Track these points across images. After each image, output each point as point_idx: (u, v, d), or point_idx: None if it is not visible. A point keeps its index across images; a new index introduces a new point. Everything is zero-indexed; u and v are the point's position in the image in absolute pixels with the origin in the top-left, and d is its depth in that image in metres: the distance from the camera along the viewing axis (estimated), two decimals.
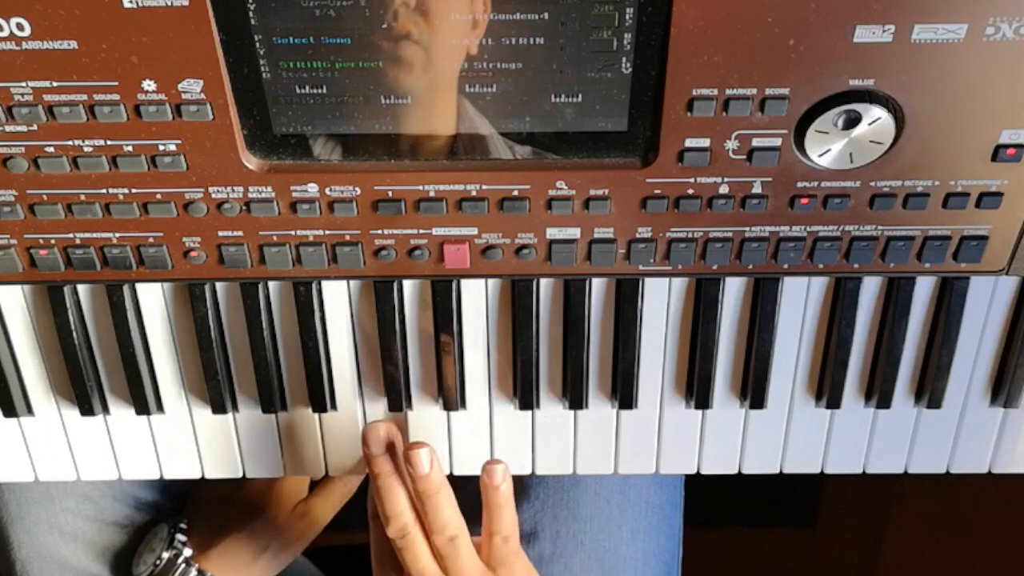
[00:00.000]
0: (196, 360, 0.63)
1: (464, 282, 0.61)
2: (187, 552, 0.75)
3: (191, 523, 0.77)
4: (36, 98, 0.50)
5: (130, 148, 0.52)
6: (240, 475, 0.68)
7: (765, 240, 0.56)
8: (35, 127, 0.51)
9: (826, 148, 0.52)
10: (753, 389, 0.64)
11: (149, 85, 0.50)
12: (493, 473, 0.64)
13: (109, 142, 0.52)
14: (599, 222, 0.56)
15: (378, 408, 0.65)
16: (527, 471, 0.68)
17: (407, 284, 0.61)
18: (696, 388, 0.64)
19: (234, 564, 0.76)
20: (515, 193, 0.54)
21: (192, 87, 0.50)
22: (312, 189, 0.54)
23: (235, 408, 0.65)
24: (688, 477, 0.83)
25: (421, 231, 0.56)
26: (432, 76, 0.50)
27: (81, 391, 0.63)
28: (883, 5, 0.47)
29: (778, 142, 0.52)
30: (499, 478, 0.64)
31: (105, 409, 0.65)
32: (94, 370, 0.64)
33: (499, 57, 0.49)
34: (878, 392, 0.64)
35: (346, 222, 0.56)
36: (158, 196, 0.54)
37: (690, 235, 0.56)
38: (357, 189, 0.54)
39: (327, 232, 0.56)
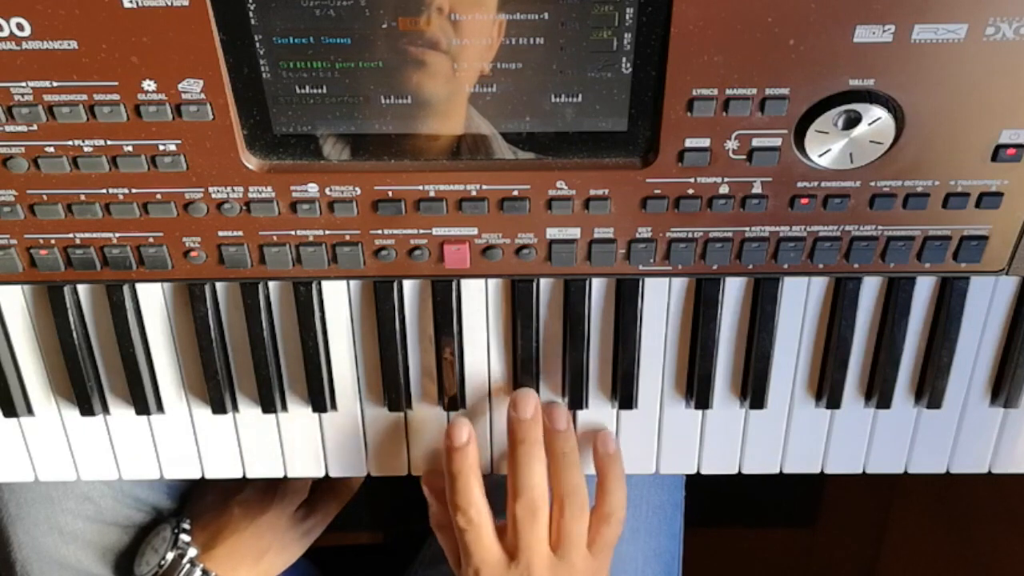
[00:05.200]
0: (196, 360, 0.63)
1: (464, 282, 0.61)
2: (192, 552, 0.75)
3: (194, 523, 0.77)
4: (36, 98, 0.50)
5: (130, 148, 0.52)
6: (241, 475, 0.68)
7: (765, 240, 0.56)
8: (35, 127, 0.51)
9: (826, 148, 0.52)
10: (753, 389, 0.64)
11: (149, 85, 0.50)
12: (607, 440, 0.63)
13: (109, 142, 0.52)
14: (599, 222, 0.56)
15: (378, 408, 0.65)
16: None
17: (407, 284, 0.61)
18: (696, 388, 0.64)
19: (238, 564, 0.76)
20: (515, 193, 0.54)
21: (192, 87, 0.50)
22: (312, 189, 0.54)
23: (235, 408, 0.65)
24: (688, 477, 0.83)
25: (421, 231, 0.56)
26: (452, 84, 0.50)
27: (81, 391, 0.63)
28: (883, 5, 0.47)
29: (778, 142, 0.52)
30: (612, 443, 0.63)
31: (105, 409, 0.65)
32: (94, 370, 0.64)
33: (499, 57, 0.50)
34: (878, 392, 0.64)
35: (346, 222, 0.56)
36: (158, 196, 0.54)
37: (690, 235, 0.56)
38: (357, 189, 0.54)
39: (327, 232, 0.56)
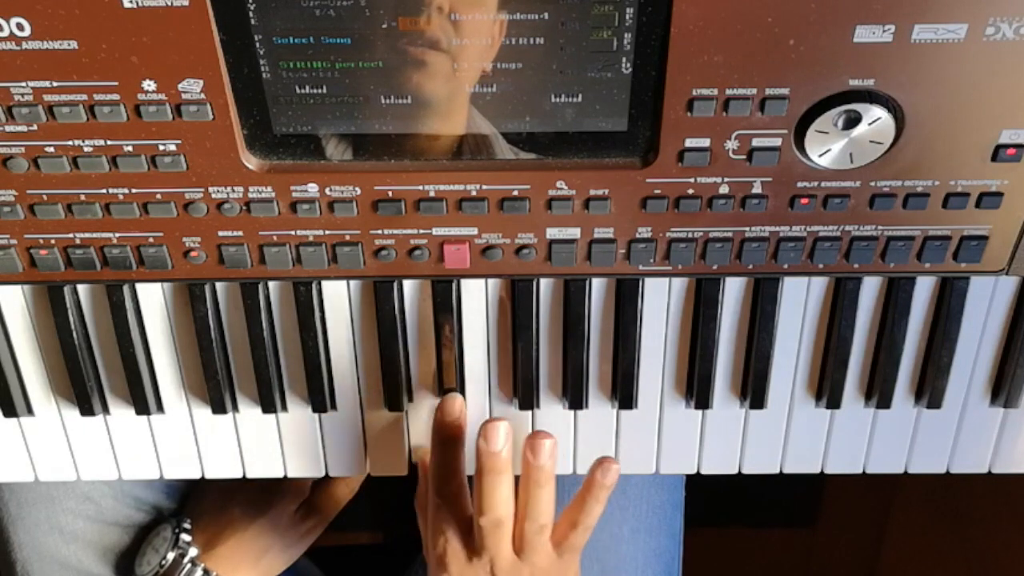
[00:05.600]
0: (196, 360, 0.63)
1: (464, 282, 0.61)
2: (192, 552, 0.75)
3: (194, 523, 0.77)
4: (36, 98, 0.50)
5: (130, 148, 0.52)
6: (240, 475, 0.68)
7: (765, 240, 0.56)
8: (35, 127, 0.51)
9: (826, 148, 0.52)
10: (753, 389, 0.64)
11: (149, 85, 0.50)
12: (609, 471, 0.64)
13: (109, 142, 0.52)
14: (599, 222, 0.56)
15: (378, 408, 0.65)
16: None
17: (407, 284, 0.61)
18: (696, 388, 0.64)
19: (239, 563, 0.76)
20: (515, 193, 0.54)
21: (192, 87, 0.50)
22: (312, 189, 0.54)
23: (235, 408, 0.65)
24: (688, 477, 0.83)
25: (421, 231, 0.56)
26: (452, 84, 0.50)
27: (81, 391, 0.63)
28: (883, 5, 0.47)
29: (778, 142, 0.52)
30: (612, 477, 0.64)
31: (105, 409, 0.65)
32: (94, 370, 0.64)
33: (499, 57, 0.49)
34: (878, 392, 0.64)
35: (346, 222, 0.56)
36: (158, 196, 0.54)
37: (690, 235, 0.56)
38: (357, 189, 0.54)
39: (327, 232, 0.56)
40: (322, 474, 0.68)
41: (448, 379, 0.64)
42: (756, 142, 0.52)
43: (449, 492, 0.64)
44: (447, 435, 0.64)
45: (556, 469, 0.64)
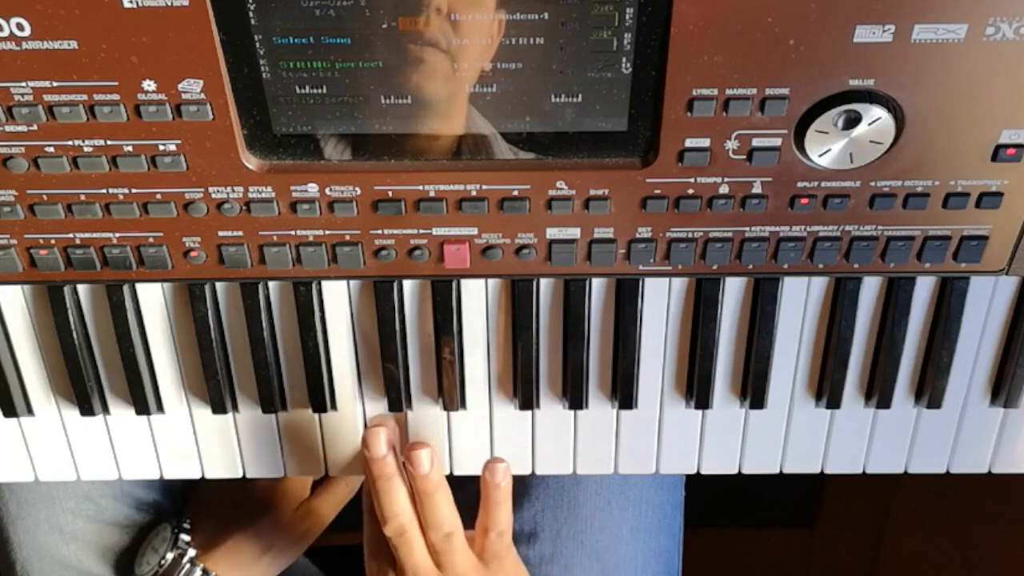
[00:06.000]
0: (196, 360, 0.63)
1: (464, 282, 0.61)
2: (192, 552, 0.75)
3: (194, 523, 0.77)
4: (36, 98, 0.50)
5: (130, 148, 0.52)
6: (240, 475, 0.68)
7: (765, 240, 0.56)
8: (35, 127, 0.51)
9: (826, 148, 0.52)
10: (753, 389, 0.64)
11: (149, 85, 0.50)
12: (495, 471, 0.64)
13: (109, 142, 0.52)
14: (599, 222, 0.56)
15: (378, 408, 0.65)
16: (527, 471, 0.68)
17: (407, 284, 0.61)
18: (696, 388, 0.64)
19: (238, 564, 0.76)
20: (515, 193, 0.54)
21: (192, 87, 0.50)
22: (312, 189, 0.54)
23: (235, 408, 0.65)
24: (688, 477, 0.83)
25: (421, 231, 0.56)
26: (452, 84, 0.50)
27: (81, 391, 0.63)
28: (883, 5, 0.47)
29: (778, 142, 0.52)
30: (500, 476, 0.64)
31: (105, 409, 0.65)
32: (94, 370, 0.64)
33: (499, 57, 0.49)
34: (878, 392, 0.64)
35: (346, 222, 0.56)
36: (158, 196, 0.54)
37: (690, 235, 0.56)
38: (357, 189, 0.54)
39: (327, 232, 0.56)
40: (322, 474, 0.68)
41: (448, 380, 0.64)
42: (756, 142, 0.52)
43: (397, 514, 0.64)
44: (381, 472, 0.63)
45: (442, 473, 0.64)
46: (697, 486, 0.81)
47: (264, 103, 0.51)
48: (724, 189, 0.54)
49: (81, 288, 0.61)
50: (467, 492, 0.66)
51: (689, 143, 0.52)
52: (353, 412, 0.66)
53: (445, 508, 0.63)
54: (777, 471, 0.68)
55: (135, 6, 0.47)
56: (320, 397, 0.64)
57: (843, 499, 1.31)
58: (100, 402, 0.65)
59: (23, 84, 0.50)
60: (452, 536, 0.64)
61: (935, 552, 1.16)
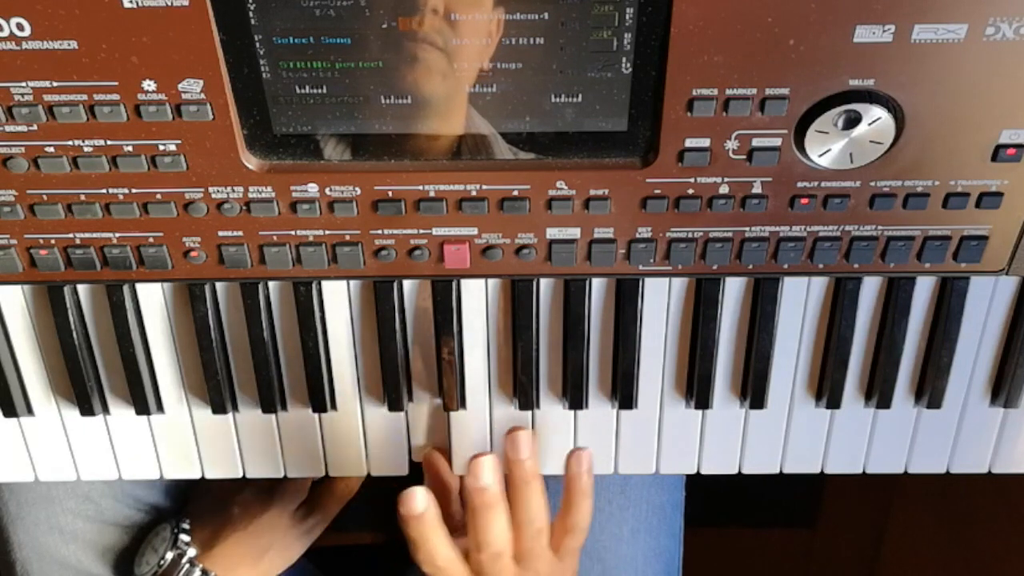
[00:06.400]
0: (196, 360, 0.63)
1: (464, 282, 0.61)
2: (191, 552, 0.75)
3: (194, 523, 0.77)
4: (36, 98, 0.50)
5: (130, 148, 0.52)
6: (240, 475, 0.68)
7: (765, 240, 0.56)
8: (35, 127, 0.51)
9: (826, 148, 0.52)
10: (753, 389, 0.64)
11: (149, 85, 0.50)
12: (581, 459, 0.64)
13: (109, 142, 0.52)
14: (599, 222, 0.56)
15: (378, 408, 0.65)
16: None
17: (407, 284, 0.61)
18: (696, 388, 0.64)
19: (237, 564, 0.76)
20: (515, 193, 0.54)
21: (192, 87, 0.50)
22: (312, 189, 0.54)
23: (235, 408, 0.65)
24: (688, 477, 0.83)
25: (421, 231, 0.56)
26: (449, 84, 0.50)
27: (81, 391, 0.63)
28: (883, 5, 0.47)
29: (778, 142, 0.52)
30: (586, 464, 0.63)
31: (105, 409, 0.65)
32: (94, 370, 0.64)
33: (499, 57, 0.49)
34: (878, 392, 0.64)
35: (346, 222, 0.56)
36: (158, 196, 0.54)
37: (690, 235, 0.56)
38: (357, 189, 0.54)
39: (327, 232, 0.56)
40: (322, 474, 0.68)
41: (448, 380, 0.64)
42: (756, 142, 0.52)
43: (441, 564, 0.63)
44: (420, 529, 0.62)
45: (539, 467, 0.64)
46: (697, 486, 0.81)
47: (264, 103, 0.51)
48: (724, 189, 0.54)
49: (81, 288, 0.61)
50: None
51: (689, 143, 0.52)
52: (353, 412, 0.66)
53: (541, 501, 0.63)
54: (777, 471, 0.68)
55: (135, 6, 0.47)
56: (320, 397, 0.64)
57: (843, 499, 1.31)
58: (100, 402, 0.65)
59: (23, 84, 0.50)
60: (542, 532, 0.63)
61: (935, 552, 1.16)
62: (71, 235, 0.56)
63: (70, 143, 0.52)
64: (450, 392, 0.64)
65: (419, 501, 0.62)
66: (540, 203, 0.55)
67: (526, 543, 0.63)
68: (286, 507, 0.79)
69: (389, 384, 0.64)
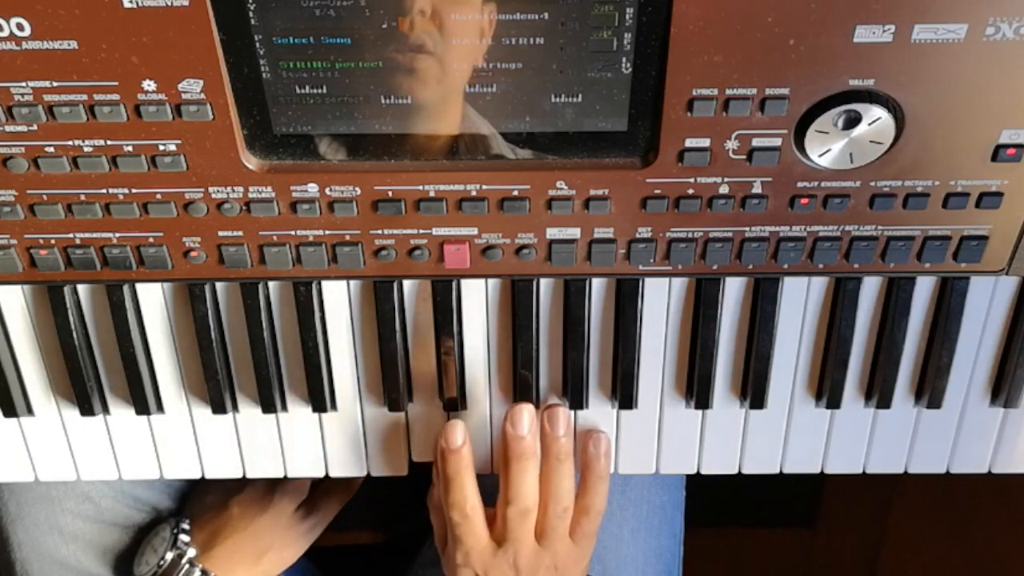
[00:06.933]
0: (196, 360, 0.63)
1: (464, 282, 0.61)
2: (191, 552, 0.75)
3: (193, 523, 0.77)
4: (36, 98, 0.50)
5: (130, 148, 0.52)
6: (240, 475, 0.68)
7: (765, 240, 0.56)
8: (35, 127, 0.51)
9: (826, 148, 0.52)
10: (753, 389, 0.64)
11: (149, 85, 0.50)
12: (600, 442, 0.65)
13: (109, 142, 0.52)
14: (599, 222, 0.56)
15: (378, 408, 0.65)
16: None
17: (407, 284, 0.61)
18: (696, 388, 0.64)
19: (237, 564, 0.76)
20: (515, 193, 0.54)
21: (192, 87, 0.50)
22: (312, 189, 0.54)
23: (235, 408, 0.65)
24: (688, 477, 0.83)
25: (421, 231, 0.56)
26: (444, 86, 0.50)
27: (81, 391, 0.63)
28: (883, 5, 0.47)
29: (778, 142, 0.52)
30: (604, 447, 0.64)
31: (105, 409, 0.65)
32: (94, 370, 0.64)
33: (499, 57, 0.49)
34: (878, 392, 0.64)
35: (346, 222, 0.56)
36: (158, 196, 0.54)
37: (690, 235, 0.56)
38: (357, 189, 0.54)
39: (327, 232, 0.56)
40: (322, 474, 0.68)
41: (448, 380, 0.64)
42: (756, 142, 0.52)
43: (468, 511, 0.64)
44: (456, 464, 0.64)
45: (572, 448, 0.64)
46: (697, 486, 0.81)
47: (264, 103, 0.51)
48: (724, 189, 0.54)
49: (81, 288, 0.61)
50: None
51: (689, 143, 0.52)
52: (353, 412, 0.66)
53: (571, 480, 0.64)
54: (777, 471, 0.68)
55: (135, 6, 0.47)
56: (320, 397, 0.64)
57: (843, 499, 1.31)
58: (100, 402, 0.65)
59: (23, 84, 0.50)
60: (567, 512, 0.64)
61: (935, 552, 1.16)
62: (71, 235, 0.56)
63: (70, 143, 0.52)
64: (450, 392, 0.64)
65: (459, 434, 0.63)
66: (540, 203, 0.55)
67: (551, 520, 0.64)
68: (286, 507, 0.79)
69: (389, 384, 0.64)
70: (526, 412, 0.63)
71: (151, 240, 0.56)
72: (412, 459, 0.68)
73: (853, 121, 0.50)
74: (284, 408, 0.65)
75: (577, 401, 0.64)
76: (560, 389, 0.65)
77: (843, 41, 0.48)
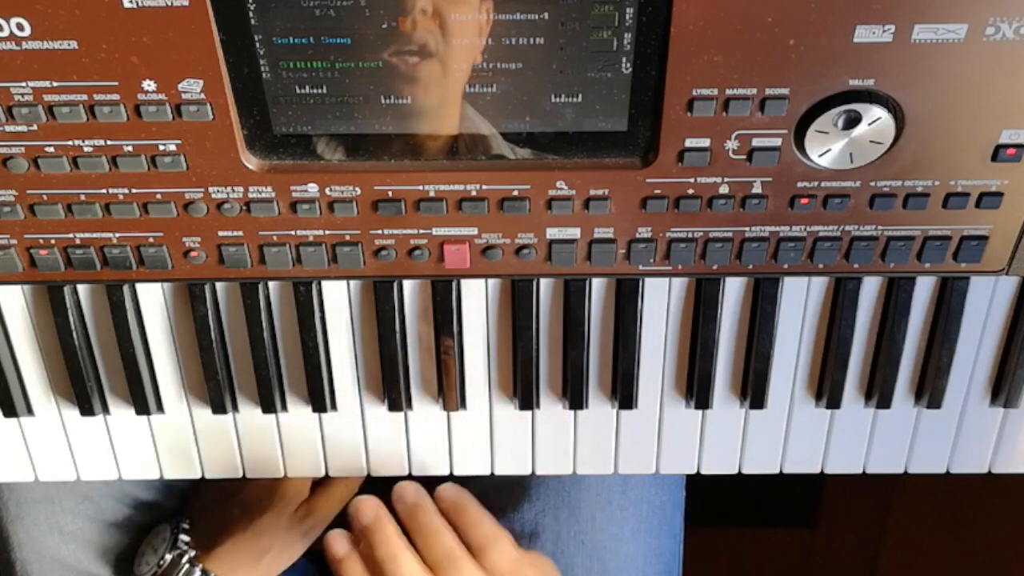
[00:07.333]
0: (196, 360, 0.63)
1: (464, 282, 0.61)
2: (191, 552, 0.75)
3: (193, 523, 0.77)
4: (36, 98, 0.50)
5: (130, 148, 0.52)
6: (240, 475, 0.68)
7: (765, 240, 0.56)
8: (35, 127, 0.51)
9: (826, 148, 0.52)
10: (753, 389, 0.64)
11: (149, 85, 0.50)
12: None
13: (109, 142, 0.52)
14: (599, 222, 0.56)
15: (378, 408, 0.65)
16: (527, 471, 0.68)
17: (407, 284, 0.61)
18: (696, 388, 0.64)
19: (237, 564, 0.76)
20: (515, 193, 0.54)
21: (192, 87, 0.50)
22: (312, 189, 0.54)
23: (235, 408, 0.65)
24: (688, 477, 0.83)
25: (421, 231, 0.56)
26: (445, 86, 0.50)
27: (81, 391, 0.63)
28: (883, 5, 0.47)
29: (778, 142, 0.52)
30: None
31: (105, 409, 0.65)
32: (94, 370, 0.64)
33: (499, 57, 0.49)
34: (878, 392, 0.64)
35: (346, 222, 0.56)
36: (158, 196, 0.54)
37: (690, 235, 0.56)
38: (357, 189, 0.54)
39: (327, 232, 0.56)
40: (322, 474, 0.68)
41: (448, 380, 0.64)
42: (756, 142, 0.52)
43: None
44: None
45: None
46: (697, 486, 0.81)
47: (264, 103, 0.51)
48: (724, 189, 0.54)
49: (81, 288, 0.61)
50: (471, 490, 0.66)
51: (689, 143, 0.52)
52: (353, 412, 0.66)
53: (444, 536, 0.66)
54: (777, 471, 0.68)
55: (135, 6, 0.47)
56: (320, 397, 0.64)
57: (843, 499, 1.31)
58: (100, 402, 0.65)
59: (23, 84, 0.50)
60: (463, 563, 0.65)
61: (935, 552, 1.16)
62: (71, 235, 0.56)
63: (70, 143, 0.52)
64: (450, 392, 0.64)
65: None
66: (540, 203, 0.55)
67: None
68: (286, 507, 0.79)
69: (389, 384, 0.64)
70: (367, 503, 0.65)
71: (151, 240, 0.56)
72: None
73: (853, 121, 0.50)
74: (284, 408, 0.65)
75: (577, 401, 0.64)
76: (560, 389, 0.65)
77: (843, 41, 0.48)
